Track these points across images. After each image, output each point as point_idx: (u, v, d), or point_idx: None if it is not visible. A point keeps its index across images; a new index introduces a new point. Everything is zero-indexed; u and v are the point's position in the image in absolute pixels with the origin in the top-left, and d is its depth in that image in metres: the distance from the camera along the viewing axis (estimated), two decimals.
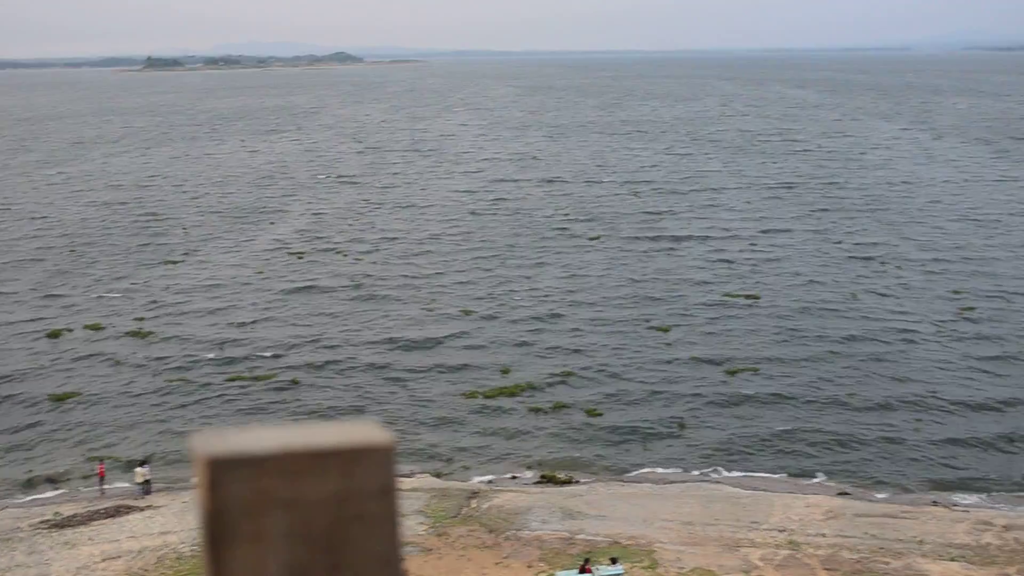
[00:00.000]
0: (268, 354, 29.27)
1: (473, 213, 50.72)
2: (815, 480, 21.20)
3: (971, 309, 32.89)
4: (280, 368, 28.09)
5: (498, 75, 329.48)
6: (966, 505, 19.80)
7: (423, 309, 33.70)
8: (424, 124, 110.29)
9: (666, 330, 31.10)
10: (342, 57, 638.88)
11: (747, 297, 34.43)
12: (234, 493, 0.71)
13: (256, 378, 27.42)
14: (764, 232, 44.75)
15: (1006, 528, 17.74)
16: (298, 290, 36.18)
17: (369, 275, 38.21)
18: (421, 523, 17.88)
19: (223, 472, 0.71)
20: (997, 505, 19.87)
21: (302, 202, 55.24)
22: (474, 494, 19.35)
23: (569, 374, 27.32)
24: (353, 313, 33.48)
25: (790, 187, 58.31)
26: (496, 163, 71.74)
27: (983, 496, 20.44)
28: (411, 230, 46.43)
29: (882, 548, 16.89)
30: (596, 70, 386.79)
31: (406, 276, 38.01)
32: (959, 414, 24.51)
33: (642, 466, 21.95)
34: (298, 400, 25.91)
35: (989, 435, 23.30)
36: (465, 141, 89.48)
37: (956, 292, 34.98)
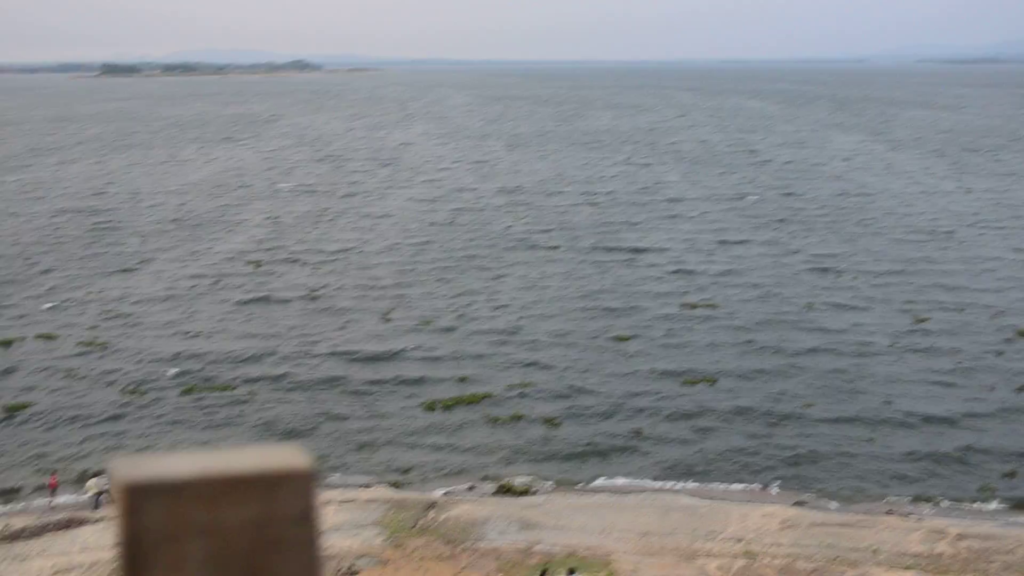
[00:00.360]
0: (224, 365, 28.99)
1: (432, 223, 50.60)
2: (772, 490, 21.32)
3: (925, 320, 33.25)
4: (237, 380, 27.85)
5: (457, 84, 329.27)
6: (920, 514, 19.98)
7: (382, 319, 33.57)
8: (383, 133, 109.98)
9: (625, 340, 31.17)
10: (301, 65, 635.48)
11: (705, 308, 34.59)
12: (152, 519, 0.70)
13: (212, 389, 27.17)
14: (723, 243, 45.02)
15: (959, 537, 17.91)
16: (255, 300, 35.91)
17: (327, 285, 38.02)
18: (378, 534, 17.77)
19: (141, 498, 0.70)
20: (950, 515, 20.06)
21: (260, 211, 54.82)
22: (432, 505, 19.26)
23: (528, 385, 27.31)
24: (311, 323, 33.27)
25: (749, 198, 58.73)
26: (455, 173, 71.69)
27: (937, 506, 20.64)
28: (370, 240, 46.26)
29: (838, 557, 17.00)
30: (555, 80, 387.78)
31: (364, 286, 37.84)
32: (913, 425, 24.73)
33: (600, 476, 21.98)
34: (255, 412, 25.70)
35: (943, 445, 23.54)
36: (424, 150, 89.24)
37: (910, 302, 35.36)
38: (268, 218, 52.55)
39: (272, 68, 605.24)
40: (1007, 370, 28.49)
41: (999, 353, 29.86)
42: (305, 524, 0.79)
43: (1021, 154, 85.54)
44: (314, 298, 36.22)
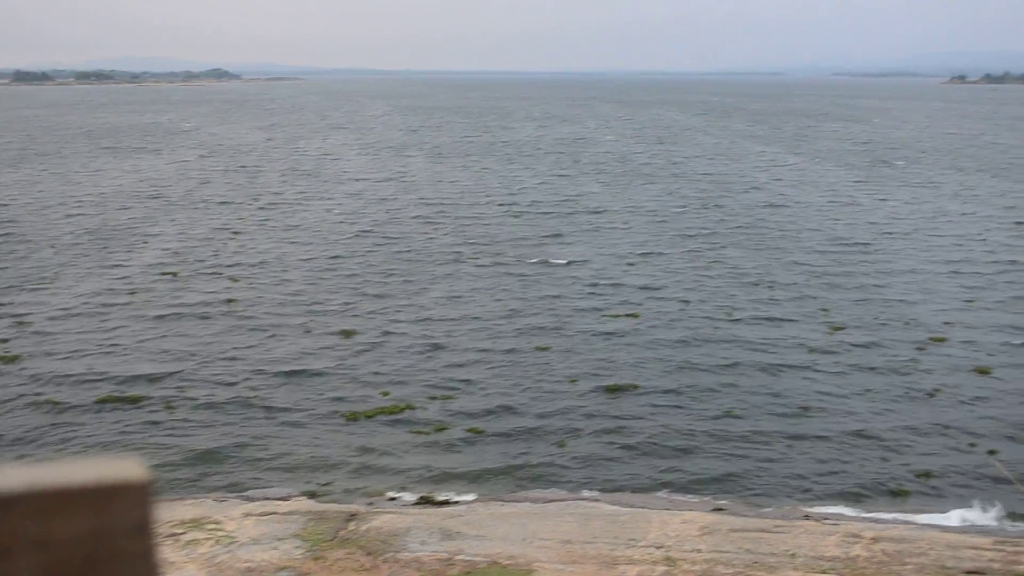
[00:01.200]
0: (140, 380, 28.44)
1: (352, 235, 50.35)
2: (691, 497, 21.53)
3: (842, 329, 33.88)
4: (153, 395, 27.34)
5: (377, 94, 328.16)
6: (836, 519, 20.32)
7: (301, 332, 33.26)
8: (302, 143, 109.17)
9: (547, 350, 31.28)
10: (219, 74, 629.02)
11: (628, 319, 34.86)
12: None
13: (126, 404, 26.64)
14: (645, 255, 45.48)
15: (874, 540, 18.25)
16: (172, 314, 35.27)
17: (246, 297, 37.59)
18: (297, 547, 17.59)
19: None
20: (866, 519, 20.43)
21: (176, 222, 54.03)
22: (352, 516, 19.10)
23: (450, 396, 27.26)
24: (229, 336, 32.84)
25: (670, 210, 59.46)
26: (375, 184, 71.41)
27: (852, 510, 21.02)
28: (289, 252, 45.86)
29: (756, 562, 17.22)
30: (476, 90, 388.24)
31: (283, 298, 37.48)
32: (830, 431, 25.16)
33: (522, 485, 22.00)
34: (172, 427, 25.26)
35: (859, 451, 23.99)
36: (343, 161, 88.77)
37: (827, 311, 36.00)
38: (185, 229, 51.79)
39: (190, 76, 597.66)
40: (921, 377, 29.11)
41: (913, 360, 30.52)
42: (141, 536, 0.78)
43: (934, 167, 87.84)
44: (232, 310, 35.77)
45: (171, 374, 28.88)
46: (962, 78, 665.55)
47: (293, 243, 47.76)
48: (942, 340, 32.51)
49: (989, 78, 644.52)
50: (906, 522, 20.24)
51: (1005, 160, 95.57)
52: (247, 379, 28.57)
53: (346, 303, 36.68)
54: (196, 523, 18.52)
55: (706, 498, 21.44)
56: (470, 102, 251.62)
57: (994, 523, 20.43)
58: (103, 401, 26.68)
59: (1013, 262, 44.69)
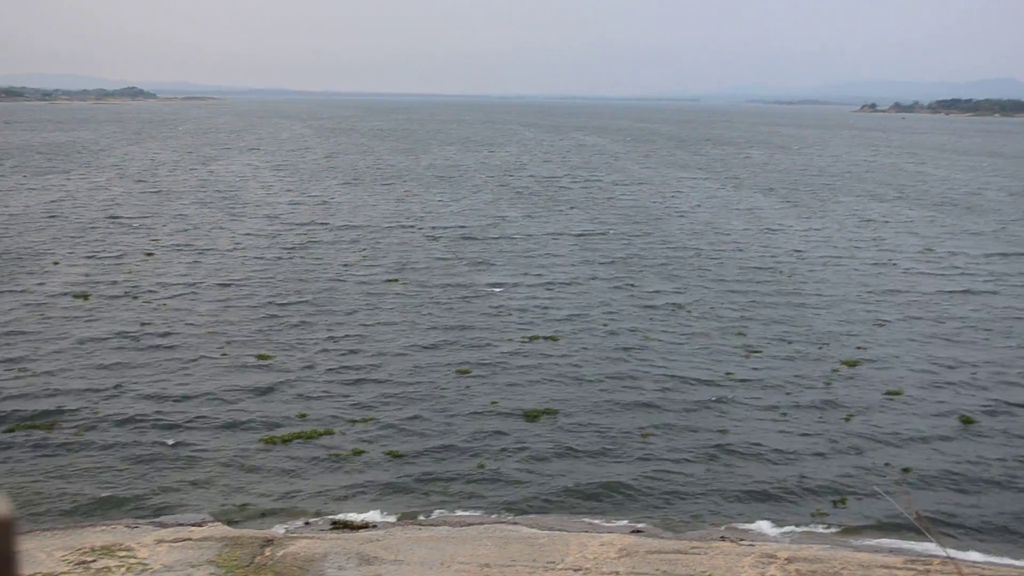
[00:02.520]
0: (51, 405, 27.73)
1: (268, 259, 49.79)
2: (610, 519, 21.60)
3: (759, 352, 34.36)
4: (65, 420, 26.68)
5: (296, 115, 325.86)
6: (752, 540, 20.52)
7: (218, 356, 32.75)
8: (217, 165, 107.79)
9: (467, 374, 31.22)
10: (134, 92, 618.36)
11: (548, 343, 34.94)
12: None
13: (38, 430, 25.96)
14: (567, 280, 45.71)
15: (788, 560, 18.46)
16: (84, 339, 34.47)
17: (160, 321, 36.93)
18: (212, 573, 17.24)
19: None
20: (781, 539, 20.67)
21: (87, 244, 52.87)
22: (268, 542, 18.80)
23: (368, 419, 27.04)
24: (143, 360, 32.20)
25: (593, 235, 59.89)
26: (293, 207, 70.72)
27: (768, 530, 21.24)
28: (203, 275, 45.16)
29: None
30: (396, 113, 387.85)
31: (199, 322, 36.90)
32: (747, 454, 25.44)
33: (441, 509, 21.88)
34: (85, 454, 24.65)
35: (775, 473, 24.28)
36: (260, 184, 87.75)
37: (743, 334, 36.53)
38: (96, 252, 50.71)
39: (103, 95, 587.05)
40: (834, 399, 29.60)
41: (827, 384, 31.04)
42: (4, 569, 0.78)
43: (848, 193, 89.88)
44: (146, 334, 35.08)
45: (84, 398, 28.23)
46: (873, 107, 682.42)
47: (208, 266, 47.02)
48: (855, 363, 33.12)
49: (899, 107, 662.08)
50: (820, 542, 20.52)
51: (915, 188, 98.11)
52: (161, 403, 28.03)
53: (263, 327, 36.21)
54: (107, 550, 18.08)
55: (624, 520, 21.53)
56: (391, 125, 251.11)
57: (905, 542, 20.80)
58: (13, 428, 25.94)
59: (921, 288, 45.80)
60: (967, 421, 28.08)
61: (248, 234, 57.15)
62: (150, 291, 41.32)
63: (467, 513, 21.70)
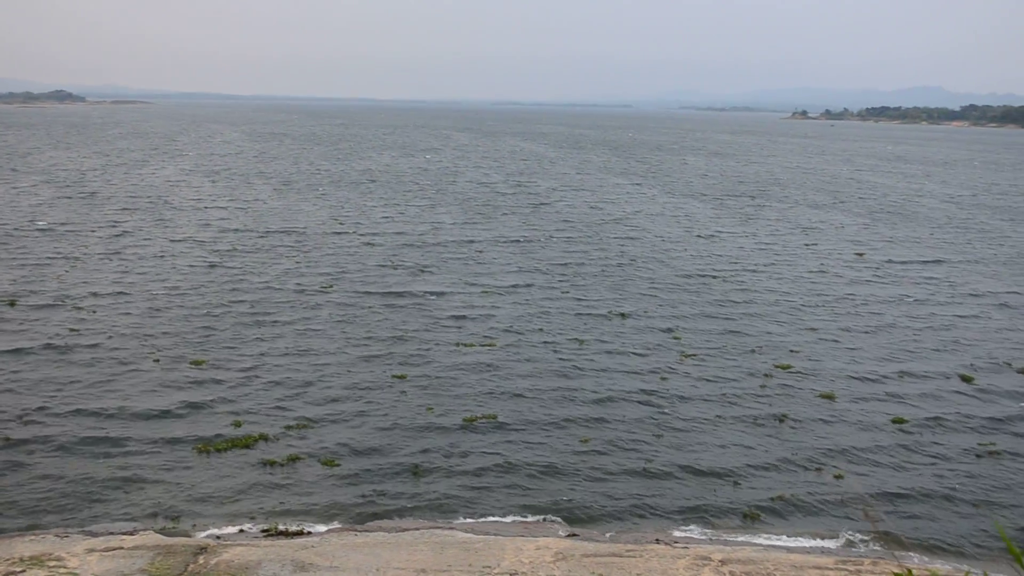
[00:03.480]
0: None
1: (200, 266, 49.13)
2: (546, 524, 21.64)
3: (693, 356, 34.68)
4: None
5: (227, 120, 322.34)
6: (687, 542, 20.69)
7: (150, 363, 32.26)
8: (147, 169, 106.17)
9: (403, 379, 31.09)
10: (62, 96, 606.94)
11: (485, 349, 34.91)
12: None
13: None
14: (503, 286, 45.73)
15: (722, 563, 18.61)
16: (11, 346, 33.76)
17: (90, 328, 36.30)
18: None
19: None
20: (715, 541, 20.86)
21: (12, 251, 51.65)
22: (201, 550, 18.55)
23: (304, 426, 26.82)
24: (74, 367, 31.63)
25: (529, 241, 59.98)
26: (226, 213, 69.83)
27: (703, 533, 21.43)
28: (135, 282, 44.46)
29: None
30: (329, 117, 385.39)
31: (130, 329, 36.33)
32: (682, 457, 25.64)
33: (376, 515, 21.78)
34: (13, 461, 24.15)
35: (708, 476, 24.50)
36: (191, 189, 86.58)
37: (678, 339, 36.86)
38: (22, 258, 49.70)
39: (30, 98, 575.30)
40: (768, 403, 29.97)
41: (761, 387, 31.40)
42: None
43: (783, 200, 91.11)
44: (76, 341, 34.46)
45: (12, 407, 27.67)
46: (804, 114, 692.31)
47: (139, 273, 46.25)
48: (788, 368, 33.55)
49: (829, 114, 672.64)
50: (754, 544, 20.74)
51: (848, 194, 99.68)
52: (91, 411, 27.56)
53: (196, 335, 35.75)
54: (37, 560, 17.72)
55: (560, 524, 21.58)
56: (324, 130, 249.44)
57: (837, 544, 21.10)
58: None
59: (852, 294, 46.54)
60: (898, 422, 28.58)
61: (180, 240, 56.36)
62: (79, 298, 40.57)
63: (403, 519, 21.62)
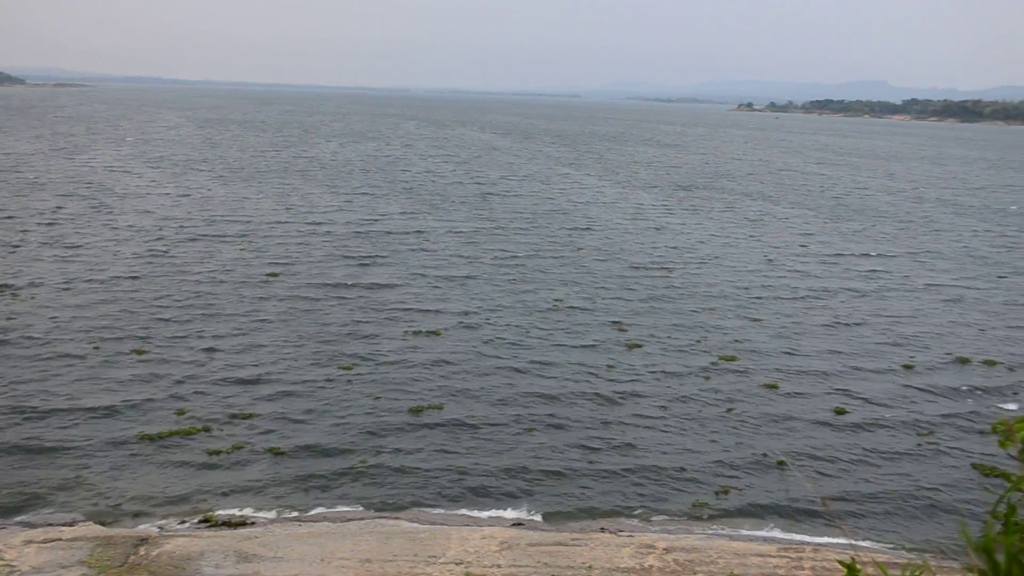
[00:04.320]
0: None
1: (144, 254, 48.46)
2: (491, 513, 21.65)
3: (639, 347, 34.84)
4: None
5: (172, 104, 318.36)
6: (631, 531, 20.80)
7: (91, 351, 31.79)
8: (88, 155, 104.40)
9: (350, 370, 30.93)
10: (0, 78, 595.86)
11: (432, 339, 34.83)
12: None
13: None
14: (451, 278, 45.63)
15: (666, 551, 18.73)
16: None
17: (29, 317, 35.70)
18: (83, 574, 16.74)
19: None
20: (660, 530, 20.99)
21: None
22: (142, 541, 18.31)
23: (248, 416, 26.58)
24: (11, 357, 31.06)
25: (477, 232, 59.86)
26: (169, 200, 68.86)
27: (647, 522, 21.56)
28: (75, 271, 43.72)
29: (553, 575, 17.41)
30: (275, 103, 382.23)
31: (70, 318, 35.75)
32: (628, 447, 25.76)
33: (321, 505, 21.65)
34: None
35: (654, 465, 24.64)
36: (133, 175, 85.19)
37: (624, 330, 37.00)
38: None
39: None
40: (714, 392, 30.20)
41: (706, 378, 31.62)
42: None
43: (730, 192, 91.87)
44: (13, 329, 33.88)
45: None
46: (749, 106, 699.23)
47: (80, 262, 45.46)
48: (733, 359, 33.81)
49: (774, 106, 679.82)
50: (698, 533, 20.90)
51: (792, 186, 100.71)
52: (30, 400, 27.11)
53: (138, 323, 35.27)
54: None
55: (506, 514, 21.60)
56: (269, 116, 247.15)
57: (780, 532, 21.33)
58: None
59: (796, 285, 47.03)
60: (841, 412, 28.93)
61: (122, 228, 55.54)
62: (17, 287, 39.85)
63: (348, 509, 21.51)
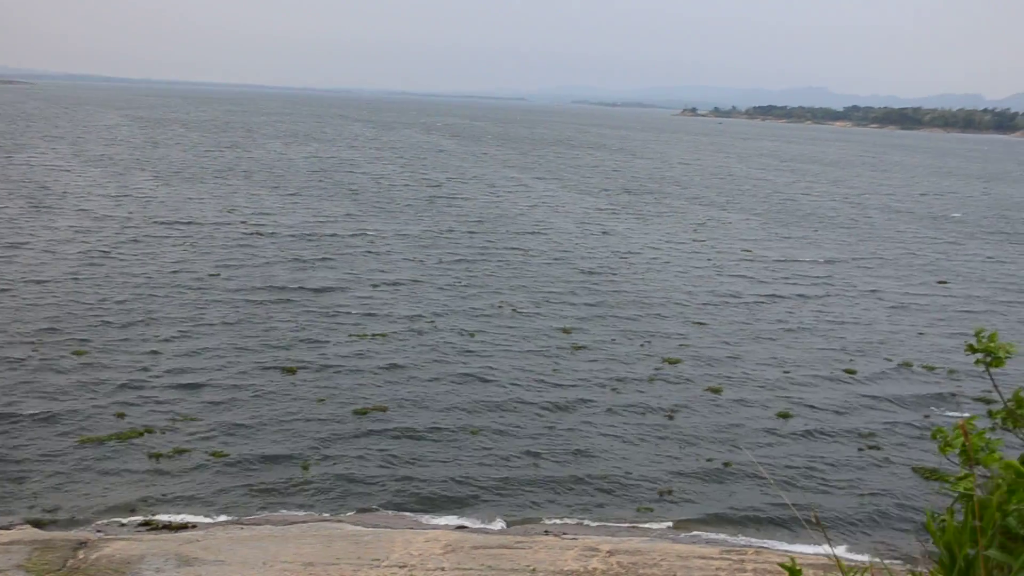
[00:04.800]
0: None
1: (84, 257, 47.69)
2: (436, 516, 21.63)
3: (583, 349, 34.97)
4: None
5: (113, 103, 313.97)
6: (575, 534, 20.87)
7: (30, 352, 31.27)
8: (22, 156, 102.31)
9: (294, 373, 30.72)
10: None
11: (378, 341, 34.69)
12: None
13: None
14: (397, 281, 45.45)
15: (610, 553, 18.81)
16: None
17: None
18: None
19: None
20: (604, 533, 21.08)
21: None
22: (81, 544, 18.05)
23: (191, 419, 26.30)
24: None
25: (424, 235, 59.73)
26: (110, 202, 67.69)
27: (592, 525, 21.65)
28: (11, 272, 42.93)
29: None
30: (218, 103, 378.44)
31: (9, 319, 35.17)
32: (574, 450, 25.84)
33: (264, 509, 21.49)
34: None
35: (599, 468, 24.75)
36: (72, 175, 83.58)
37: (568, 333, 37.12)
38: None
39: None
40: (659, 396, 30.39)
41: (651, 381, 31.81)
42: None
43: (676, 197, 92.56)
44: None
45: None
46: (693, 111, 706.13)
47: (18, 264, 44.55)
48: (677, 361, 34.06)
49: (718, 111, 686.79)
50: (642, 535, 21.02)
51: (736, 191, 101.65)
52: None
53: (78, 325, 34.74)
54: None
55: (450, 518, 21.59)
56: (212, 116, 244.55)
57: (723, 535, 21.52)
58: None
59: (739, 290, 47.47)
60: (784, 416, 29.26)
61: (61, 229, 54.62)
62: None
63: (291, 512, 21.38)
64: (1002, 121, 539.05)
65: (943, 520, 3.78)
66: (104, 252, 47.89)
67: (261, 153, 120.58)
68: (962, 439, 4.20)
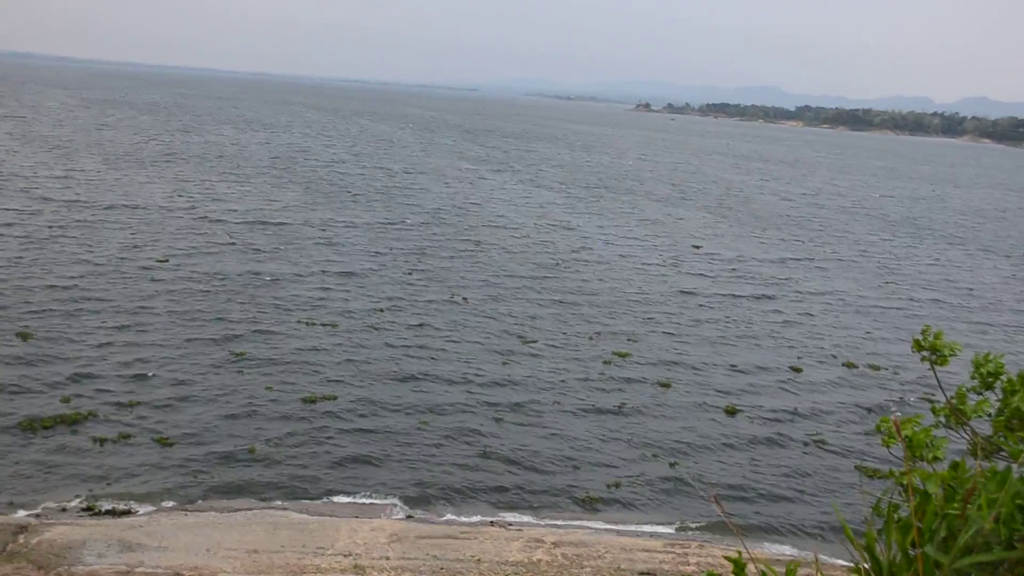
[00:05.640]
0: None
1: (30, 240, 46.88)
2: (381, 505, 21.64)
3: (533, 343, 35.08)
4: None
5: (57, 82, 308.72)
6: (520, 525, 20.99)
7: None
8: None
9: (241, 357, 30.54)
10: None
11: (328, 330, 34.57)
12: None
13: None
14: (348, 271, 45.28)
15: (555, 545, 18.96)
16: None
17: None
18: None
19: None
20: (548, 524, 21.21)
21: None
22: (22, 529, 17.88)
23: (136, 404, 26.08)
24: None
25: (377, 225, 59.46)
26: (58, 184, 66.40)
27: (537, 517, 21.77)
28: None
29: (443, 568, 17.49)
30: (167, 86, 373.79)
31: None
32: (520, 441, 25.95)
33: (208, 495, 21.37)
34: None
35: (546, 460, 24.88)
36: (19, 158, 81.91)
37: (521, 325, 37.24)
38: None
39: None
40: (608, 391, 30.58)
41: (600, 375, 32.02)
42: None
43: (630, 192, 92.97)
44: None
45: None
46: (647, 106, 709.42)
47: None
48: (626, 355, 34.30)
49: (671, 108, 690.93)
50: (587, 528, 21.17)
51: (690, 189, 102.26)
52: None
53: (24, 308, 34.24)
54: None
55: (396, 507, 21.61)
56: (161, 99, 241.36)
57: (668, 528, 21.73)
58: None
59: (689, 286, 47.84)
60: (731, 412, 29.58)
61: (6, 211, 53.71)
62: None
63: (236, 499, 21.29)
64: (951, 125, 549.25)
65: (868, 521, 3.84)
66: (50, 236, 47.08)
67: (212, 138, 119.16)
68: (904, 432, 4.29)
